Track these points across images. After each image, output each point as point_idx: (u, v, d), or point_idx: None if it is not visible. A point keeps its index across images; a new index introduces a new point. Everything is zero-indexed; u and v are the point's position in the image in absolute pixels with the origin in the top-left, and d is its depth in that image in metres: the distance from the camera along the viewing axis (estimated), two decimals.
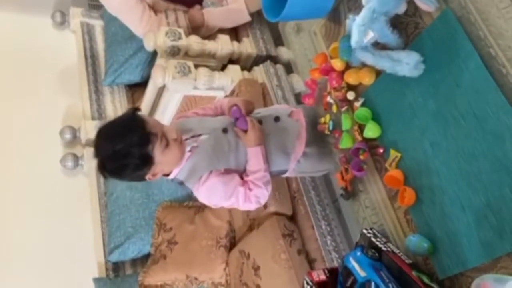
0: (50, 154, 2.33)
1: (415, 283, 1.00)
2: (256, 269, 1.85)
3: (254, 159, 1.30)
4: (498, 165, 0.88)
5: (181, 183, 1.29)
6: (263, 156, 1.31)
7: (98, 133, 1.17)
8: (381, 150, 1.19)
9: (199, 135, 1.30)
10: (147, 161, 1.14)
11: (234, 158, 1.30)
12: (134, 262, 2.20)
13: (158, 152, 1.15)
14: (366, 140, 1.24)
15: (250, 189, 1.28)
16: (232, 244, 2.03)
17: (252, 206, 1.30)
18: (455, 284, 1.00)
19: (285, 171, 1.45)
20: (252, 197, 1.28)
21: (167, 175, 1.28)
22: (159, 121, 1.23)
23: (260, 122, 1.37)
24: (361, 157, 1.24)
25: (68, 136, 2.33)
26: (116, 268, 2.16)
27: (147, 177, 1.21)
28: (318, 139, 1.44)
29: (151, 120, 1.19)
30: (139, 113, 1.20)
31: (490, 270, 0.90)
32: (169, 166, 1.24)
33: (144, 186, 2.21)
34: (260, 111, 1.45)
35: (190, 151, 1.27)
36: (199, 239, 2.03)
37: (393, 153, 1.15)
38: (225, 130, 1.32)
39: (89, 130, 2.30)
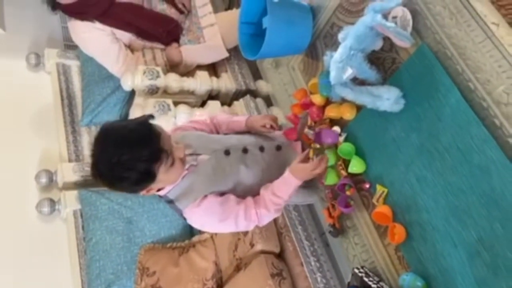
0: (25, 199, 2.23)
1: None
2: None
3: (288, 188, 1.20)
4: (487, 199, 0.87)
5: (170, 202, 1.20)
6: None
7: (105, 134, 1.04)
8: (367, 186, 1.17)
9: (199, 154, 1.22)
10: (149, 177, 1.05)
11: (232, 181, 1.23)
12: None
13: (162, 170, 1.06)
14: (351, 176, 1.21)
15: (258, 205, 1.20)
16: (219, 286, 1.95)
17: (250, 226, 1.22)
18: None
19: None
20: (253, 215, 1.19)
21: (159, 189, 1.19)
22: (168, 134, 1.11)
23: (262, 148, 1.32)
24: (348, 192, 1.22)
25: (44, 180, 2.24)
26: None
27: (141, 192, 1.11)
28: None
29: (165, 134, 1.08)
30: (153, 122, 1.08)
31: None
32: (167, 184, 1.16)
33: (125, 228, 2.12)
34: (262, 136, 1.39)
35: (187, 169, 1.19)
36: (184, 282, 1.94)
37: (380, 188, 1.13)
38: (227, 152, 1.26)
39: (66, 173, 2.22)
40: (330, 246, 1.97)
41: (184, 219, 1.22)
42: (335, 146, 1.25)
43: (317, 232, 1.90)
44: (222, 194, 1.22)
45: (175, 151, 1.09)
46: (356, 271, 1.15)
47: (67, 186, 2.23)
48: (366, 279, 1.11)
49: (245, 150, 1.28)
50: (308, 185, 1.45)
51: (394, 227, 1.07)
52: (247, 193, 1.25)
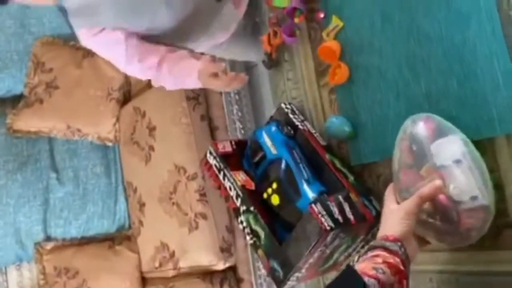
0: None
1: (326, 166, 0.94)
2: (152, 129, 1.68)
3: (186, 79, 1.11)
4: (454, 52, 0.77)
5: (63, 12, 0.98)
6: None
7: None
8: (322, 15, 1.01)
9: None
10: None
11: (146, 21, 1.03)
12: (3, 102, 1.86)
13: None
14: (306, 0, 1.04)
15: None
16: (126, 99, 1.80)
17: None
18: (364, 172, 0.96)
19: None
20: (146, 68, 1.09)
21: None
22: None
23: None
24: (296, 20, 1.05)
25: None
26: None
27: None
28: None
29: None
30: None
31: None
32: None
33: (17, 12, 1.76)
34: None
35: None
36: (86, 87, 1.75)
37: (335, 21, 0.97)
38: None
39: None
40: (252, 84, 1.87)
41: None
42: None
43: (243, 65, 1.77)
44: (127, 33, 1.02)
45: None
46: (283, 106, 1.06)
47: None
48: (291, 116, 1.04)
49: None
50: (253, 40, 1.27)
51: (338, 66, 0.96)
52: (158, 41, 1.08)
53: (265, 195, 0.95)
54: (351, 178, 0.93)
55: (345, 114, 0.98)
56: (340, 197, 0.85)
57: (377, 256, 0.60)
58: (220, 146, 1.03)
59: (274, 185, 0.93)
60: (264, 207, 0.95)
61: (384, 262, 0.59)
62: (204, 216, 1.55)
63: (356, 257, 0.64)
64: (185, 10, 1.07)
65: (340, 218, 0.81)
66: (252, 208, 0.92)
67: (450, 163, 0.69)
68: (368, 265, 0.59)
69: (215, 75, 1.02)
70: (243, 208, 0.94)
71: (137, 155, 1.73)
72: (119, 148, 1.85)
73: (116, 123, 1.80)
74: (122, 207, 1.85)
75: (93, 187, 1.84)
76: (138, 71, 1.10)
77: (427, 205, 0.69)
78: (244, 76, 1.04)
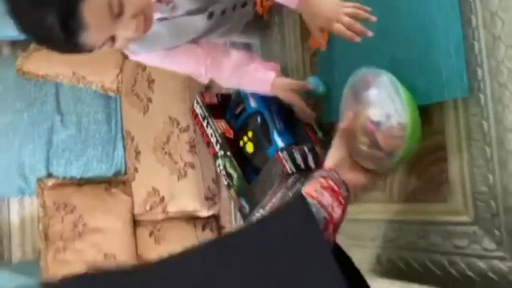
0: None
1: (299, 121, 1.03)
2: (151, 82, 1.78)
3: (255, 88, 1.07)
4: (418, 23, 0.84)
5: None
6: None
7: None
8: None
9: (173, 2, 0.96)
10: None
11: (193, 38, 1.07)
12: (15, 44, 1.96)
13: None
14: None
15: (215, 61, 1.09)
16: None
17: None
18: (334, 130, 1.05)
19: None
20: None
21: None
22: None
23: (234, 8, 1.09)
24: None
25: None
26: None
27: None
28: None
29: None
30: None
31: None
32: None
33: None
34: None
35: (158, 18, 0.96)
36: None
37: None
38: (210, 16, 1.03)
39: None
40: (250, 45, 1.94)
41: None
42: None
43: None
44: None
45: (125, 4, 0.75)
46: None
47: None
48: None
49: (223, 12, 1.08)
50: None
51: None
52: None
53: (241, 143, 1.05)
54: (320, 134, 1.02)
55: (321, 75, 1.06)
56: (306, 148, 0.94)
57: (316, 182, 0.71)
58: (206, 97, 1.13)
59: (250, 134, 1.03)
60: (240, 156, 1.05)
61: (322, 186, 0.70)
62: (192, 166, 1.66)
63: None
64: (225, 25, 1.12)
65: (302, 164, 0.91)
66: (228, 153, 1.03)
67: (371, 94, 0.79)
68: (311, 188, 0.70)
69: (296, 91, 1.02)
70: (220, 153, 1.05)
71: (136, 106, 1.83)
72: (121, 98, 1.95)
73: (119, 74, 1.89)
74: (120, 153, 1.97)
75: (94, 133, 1.96)
76: (195, 62, 1.09)
77: (364, 138, 0.79)
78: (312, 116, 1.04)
